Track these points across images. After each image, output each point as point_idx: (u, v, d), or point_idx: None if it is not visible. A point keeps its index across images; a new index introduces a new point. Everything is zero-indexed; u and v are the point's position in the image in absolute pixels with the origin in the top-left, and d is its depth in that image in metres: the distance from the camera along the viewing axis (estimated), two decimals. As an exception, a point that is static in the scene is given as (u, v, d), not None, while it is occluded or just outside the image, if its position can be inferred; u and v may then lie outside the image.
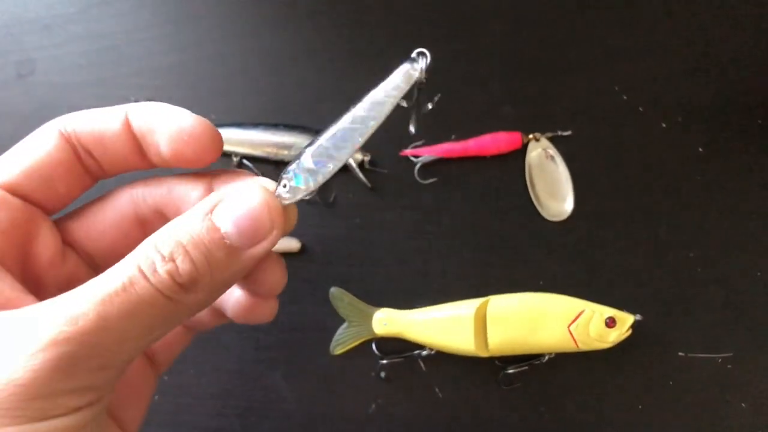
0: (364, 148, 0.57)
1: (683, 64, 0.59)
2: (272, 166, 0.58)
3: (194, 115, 0.31)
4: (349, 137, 0.30)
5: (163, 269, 0.25)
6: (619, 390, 0.54)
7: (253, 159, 0.58)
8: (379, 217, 0.57)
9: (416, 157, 0.57)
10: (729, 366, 0.53)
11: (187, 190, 0.31)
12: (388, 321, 0.54)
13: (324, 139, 0.30)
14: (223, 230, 0.26)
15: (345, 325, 0.55)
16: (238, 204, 0.27)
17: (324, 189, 0.57)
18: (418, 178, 0.57)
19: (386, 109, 0.32)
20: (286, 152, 0.57)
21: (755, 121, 0.58)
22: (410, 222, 0.57)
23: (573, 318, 0.51)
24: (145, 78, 0.60)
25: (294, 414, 0.54)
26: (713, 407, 0.53)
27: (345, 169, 0.57)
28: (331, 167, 0.30)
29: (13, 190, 0.28)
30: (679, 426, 0.53)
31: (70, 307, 0.24)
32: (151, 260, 0.25)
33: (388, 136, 0.58)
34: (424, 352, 0.54)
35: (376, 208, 0.57)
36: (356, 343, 0.55)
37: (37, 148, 0.29)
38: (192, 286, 0.26)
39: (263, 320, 0.35)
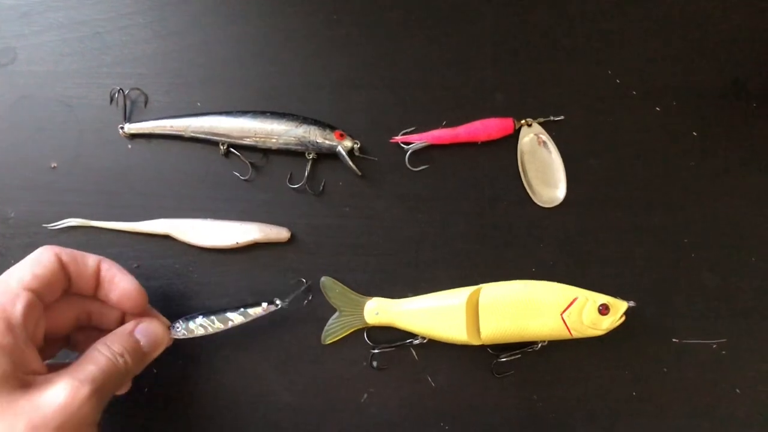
0: (354, 135, 0.56)
1: (677, 48, 0.58)
2: (260, 154, 0.57)
3: (136, 282, 0.49)
4: (226, 322, 0.52)
5: (121, 361, 0.46)
6: (613, 377, 0.53)
7: (240, 147, 0.57)
8: (369, 206, 0.56)
9: (407, 144, 0.56)
10: (723, 352, 0.53)
11: (111, 311, 0.51)
12: (379, 310, 0.54)
13: (210, 315, 0.52)
14: (141, 343, 0.48)
15: (336, 314, 0.55)
16: (150, 331, 0.49)
17: (313, 178, 0.57)
18: (408, 166, 0.56)
19: (250, 320, 0.53)
20: (274, 140, 0.56)
21: (750, 104, 0.57)
22: (401, 210, 0.56)
23: (566, 305, 0.50)
24: (128, 66, 0.59)
25: (285, 404, 0.54)
26: (708, 393, 0.53)
27: (334, 156, 0.56)
28: (209, 331, 0.52)
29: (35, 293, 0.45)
30: (674, 412, 0.53)
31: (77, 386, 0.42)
32: (114, 355, 0.46)
33: (377, 123, 0.57)
34: (416, 341, 0.54)
35: (366, 197, 0.57)
36: (348, 332, 0.54)
37: (45, 265, 0.46)
38: (131, 371, 0.47)
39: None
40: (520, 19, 0.59)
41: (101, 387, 0.43)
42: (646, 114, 0.57)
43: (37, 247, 0.56)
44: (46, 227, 0.57)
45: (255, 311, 0.52)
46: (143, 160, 0.58)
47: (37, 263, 0.46)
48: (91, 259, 0.48)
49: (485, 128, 0.56)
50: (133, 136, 0.58)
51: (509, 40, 0.59)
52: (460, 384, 0.54)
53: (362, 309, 0.54)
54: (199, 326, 0.52)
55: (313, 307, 0.55)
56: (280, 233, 0.55)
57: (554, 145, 0.56)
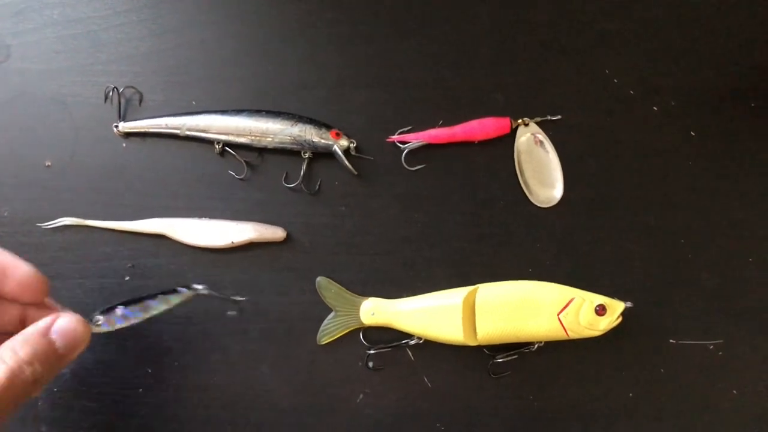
0: (350, 134, 0.56)
1: (675, 48, 0.58)
2: (256, 153, 0.57)
3: (34, 268, 0.44)
4: (147, 310, 0.49)
5: (29, 371, 0.39)
6: (610, 378, 0.53)
7: (235, 146, 0.56)
8: (365, 205, 0.56)
9: (403, 143, 0.56)
10: (720, 353, 0.53)
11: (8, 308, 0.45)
12: (375, 310, 0.54)
13: (130, 304, 0.48)
14: (57, 344, 0.42)
15: (332, 314, 0.54)
16: (68, 329, 0.42)
17: (308, 177, 0.57)
18: (405, 165, 0.56)
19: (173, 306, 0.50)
20: (269, 139, 0.55)
21: (748, 104, 0.57)
22: (397, 209, 0.56)
23: (563, 306, 0.50)
24: (123, 64, 0.58)
25: (281, 404, 0.54)
26: (704, 394, 0.53)
27: (330, 155, 0.56)
28: (132, 322, 0.48)
29: None
30: (670, 413, 0.53)
31: None
32: (20, 364, 0.39)
33: (374, 122, 0.57)
34: (413, 342, 0.54)
35: (362, 196, 0.56)
36: (344, 332, 0.54)
37: None
38: (41, 379, 0.41)
39: None
40: (517, 18, 0.59)
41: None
42: (643, 114, 0.57)
43: (30, 247, 0.56)
44: (40, 226, 0.56)
45: (175, 298, 0.50)
46: (138, 158, 0.57)
47: None
48: None
49: (482, 128, 0.55)
50: (128, 135, 0.58)
51: (506, 39, 0.58)
52: (457, 385, 0.54)
53: (358, 309, 0.54)
54: (121, 317, 0.48)
55: (308, 307, 0.55)
56: (275, 233, 0.55)
57: (551, 144, 0.56)
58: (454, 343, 0.52)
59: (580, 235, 0.55)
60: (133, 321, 0.49)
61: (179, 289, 0.50)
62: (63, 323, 0.42)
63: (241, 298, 0.54)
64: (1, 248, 0.44)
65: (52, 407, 0.53)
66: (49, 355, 0.41)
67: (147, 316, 0.49)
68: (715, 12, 0.58)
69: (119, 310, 0.48)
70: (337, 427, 0.53)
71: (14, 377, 0.38)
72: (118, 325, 0.48)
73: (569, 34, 0.58)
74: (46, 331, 0.41)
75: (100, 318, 0.47)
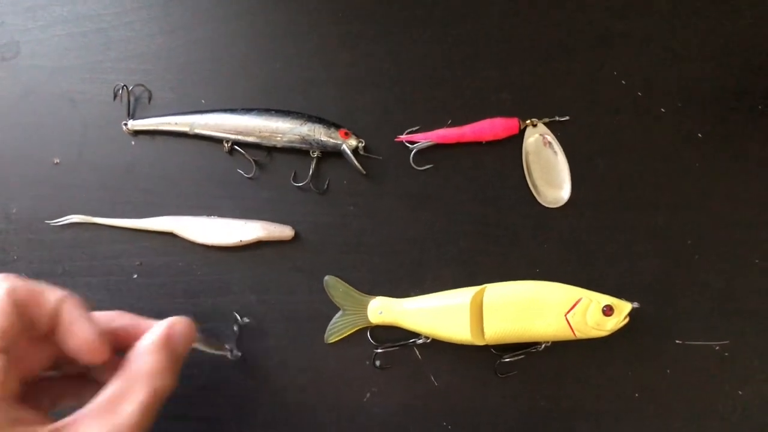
0: (359, 133, 0.56)
1: (682, 49, 0.58)
2: (264, 152, 0.57)
3: (97, 331, 0.41)
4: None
5: (164, 383, 0.40)
6: (616, 378, 0.53)
7: (244, 145, 0.56)
8: (373, 204, 0.56)
9: (412, 143, 0.56)
10: (726, 354, 0.53)
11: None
12: (383, 309, 0.54)
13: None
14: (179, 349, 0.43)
15: (340, 313, 0.54)
16: (183, 332, 0.43)
17: (317, 176, 0.57)
18: (413, 165, 0.56)
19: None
20: (278, 138, 0.55)
21: (755, 106, 0.57)
22: (405, 209, 0.56)
23: (570, 306, 0.50)
24: (133, 62, 0.59)
25: (289, 402, 0.54)
26: (710, 395, 0.53)
27: (339, 155, 0.56)
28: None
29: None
30: (676, 413, 0.53)
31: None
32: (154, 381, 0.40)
33: (382, 122, 0.57)
34: (420, 341, 0.54)
35: (370, 195, 0.56)
36: (351, 331, 0.54)
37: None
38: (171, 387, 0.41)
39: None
40: (526, 18, 0.59)
41: (142, 427, 0.38)
42: (651, 115, 0.57)
43: (38, 244, 0.56)
44: (48, 223, 0.56)
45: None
46: (147, 156, 0.57)
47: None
48: (52, 297, 0.40)
49: (490, 128, 0.56)
50: (137, 133, 0.58)
51: (515, 39, 0.58)
52: (464, 384, 0.54)
53: (366, 308, 0.54)
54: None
55: (316, 305, 0.55)
56: (283, 231, 0.55)
57: (559, 145, 0.56)
58: (461, 343, 0.52)
59: (588, 236, 0.55)
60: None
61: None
62: (180, 328, 0.43)
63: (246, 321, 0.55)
64: (78, 302, 0.41)
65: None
66: (175, 362, 0.41)
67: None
68: (723, 13, 0.59)
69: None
70: (344, 425, 0.54)
71: (156, 392, 0.39)
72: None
73: (577, 35, 0.58)
74: (171, 339, 0.42)
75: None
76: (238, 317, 0.54)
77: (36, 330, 0.39)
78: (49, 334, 0.40)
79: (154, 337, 0.41)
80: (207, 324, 0.54)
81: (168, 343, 0.41)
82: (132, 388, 0.38)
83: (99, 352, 0.41)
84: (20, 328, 0.38)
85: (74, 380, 0.44)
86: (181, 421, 0.54)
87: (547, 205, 0.56)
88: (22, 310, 0.38)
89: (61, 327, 0.40)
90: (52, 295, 0.40)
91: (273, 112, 0.56)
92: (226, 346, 0.53)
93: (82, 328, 0.40)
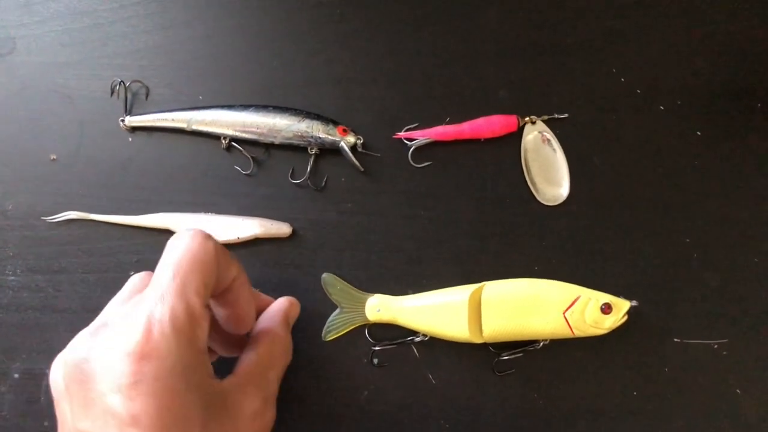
0: (357, 130, 0.56)
1: (682, 46, 0.58)
2: (262, 149, 0.57)
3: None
4: None
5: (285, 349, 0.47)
6: (614, 376, 0.53)
7: (242, 141, 0.56)
8: (371, 202, 0.56)
9: (410, 140, 0.56)
10: (724, 352, 0.53)
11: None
12: (381, 307, 0.54)
13: None
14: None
15: (337, 311, 0.54)
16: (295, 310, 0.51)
17: (315, 173, 0.57)
18: (411, 162, 0.56)
19: None
20: (276, 134, 0.55)
21: (755, 104, 0.57)
22: (403, 206, 0.56)
23: (568, 304, 0.50)
24: (130, 58, 0.58)
25: (285, 400, 0.54)
26: (708, 393, 0.53)
27: (337, 152, 0.55)
28: None
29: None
30: (674, 412, 0.53)
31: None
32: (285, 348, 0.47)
33: (381, 119, 0.57)
34: (418, 339, 0.54)
35: (368, 192, 0.56)
36: (349, 329, 0.54)
37: (212, 270, 0.39)
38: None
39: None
40: (524, 15, 0.59)
41: (276, 389, 0.44)
42: (650, 113, 0.57)
43: (34, 241, 0.56)
44: (44, 220, 0.56)
45: None
46: (144, 153, 0.57)
47: (207, 269, 0.38)
48: (235, 264, 0.42)
49: (489, 125, 0.55)
50: (134, 129, 0.57)
51: (514, 36, 0.58)
52: (461, 382, 0.54)
53: (363, 306, 0.54)
54: None
55: (313, 303, 0.55)
56: (281, 228, 0.55)
57: (558, 143, 0.56)
58: (459, 341, 0.52)
59: (586, 234, 0.55)
60: None
61: None
62: (295, 310, 0.51)
63: None
64: (246, 278, 0.44)
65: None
66: (288, 334, 0.47)
67: None
68: (723, 11, 0.58)
69: None
70: (341, 423, 0.53)
71: (285, 366, 0.45)
72: None
73: (577, 32, 0.58)
74: (290, 319, 0.49)
75: None
76: None
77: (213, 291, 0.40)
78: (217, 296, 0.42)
79: (282, 315, 0.48)
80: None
81: (290, 322, 0.48)
82: (277, 359, 0.44)
83: (252, 320, 0.45)
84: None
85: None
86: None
87: (545, 203, 0.55)
88: (219, 269, 0.39)
89: (233, 293, 0.42)
90: (235, 262, 0.42)
91: (271, 108, 0.56)
92: None
93: (249, 298, 0.44)
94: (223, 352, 0.48)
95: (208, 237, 0.39)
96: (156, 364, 0.34)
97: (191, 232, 0.39)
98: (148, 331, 0.34)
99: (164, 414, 0.33)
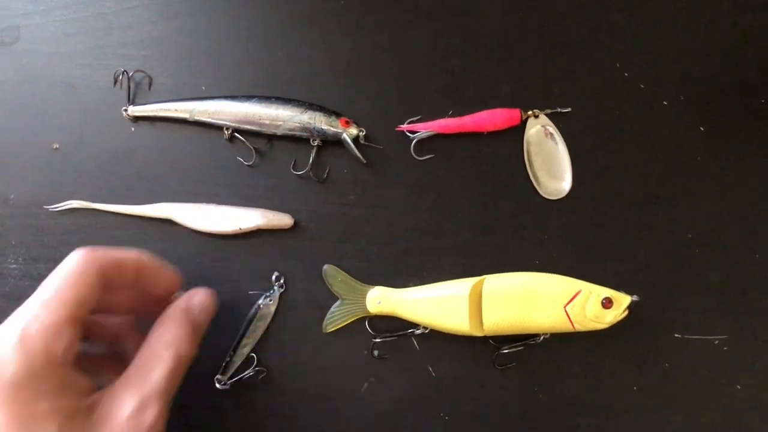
0: (359, 122, 0.56)
1: (686, 42, 0.58)
2: (265, 140, 0.57)
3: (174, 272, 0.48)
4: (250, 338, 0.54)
5: (185, 351, 0.43)
6: (615, 371, 0.53)
7: (245, 132, 0.56)
8: (373, 194, 0.56)
9: (412, 132, 0.56)
10: (725, 348, 0.53)
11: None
12: (382, 299, 0.54)
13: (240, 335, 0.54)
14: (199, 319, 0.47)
15: (338, 302, 0.54)
16: (205, 304, 0.48)
17: (317, 165, 0.57)
18: (414, 155, 0.56)
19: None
20: (278, 125, 0.55)
21: (758, 100, 0.57)
22: (405, 199, 0.56)
23: (569, 298, 0.50)
24: (134, 48, 0.58)
25: (286, 391, 0.54)
26: (708, 389, 0.53)
27: (339, 143, 0.55)
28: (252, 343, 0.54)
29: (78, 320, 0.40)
30: (674, 407, 0.53)
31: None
32: (179, 350, 0.43)
33: (383, 111, 0.57)
34: (418, 331, 0.54)
35: (370, 185, 0.56)
36: (349, 321, 0.54)
37: (89, 287, 0.40)
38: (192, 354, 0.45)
39: None
40: (528, 9, 0.58)
41: (169, 391, 0.41)
42: (653, 108, 0.57)
43: (36, 229, 0.56)
44: (47, 209, 0.56)
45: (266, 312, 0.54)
46: (147, 143, 0.57)
47: (80, 283, 0.40)
48: (130, 260, 0.44)
49: (492, 118, 0.55)
50: (137, 119, 0.57)
51: (518, 30, 0.58)
52: (462, 375, 0.54)
53: (364, 298, 0.54)
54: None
55: (314, 294, 0.55)
56: (283, 220, 0.55)
57: (561, 137, 0.56)
58: (460, 334, 0.52)
59: (588, 228, 0.55)
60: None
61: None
62: (198, 298, 0.47)
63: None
64: (149, 255, 0.46)
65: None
66: (196, 332, 0.45)
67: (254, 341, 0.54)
68: (727, 6, 0.58)
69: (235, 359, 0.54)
70: (341, 414, 0.53)
71: (178, 363, 0.42)
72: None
73: (580, 26, 0.58)
74: (189, 310, 0.45)
75: (222, 378, 0.53)
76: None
77: (117, 288, 0.43)
78: (129, 286, 0.45)
79: (175, 309, 0.45)
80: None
81: (188, 313, 0.45)
82: (158, 357, 0.42)
83: (179, 283, 0.48)
84: (100, 293, 0.41)
85: (109, 357, 0.48)
86: (177, 408, 0.53)
87: (547, 197, 0.55)
88: (106, 279, 0.41)
89: (144, 278, 0.45)
90: (129, 257, 0.44)
91: (273, 99, 0.56)
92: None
93: (165, 273, 0.47)
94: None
95: (90, 252, 0.41)
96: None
97: (76, 250, 0.42)
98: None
99: (10, 421, 0.35)
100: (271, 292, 0.54)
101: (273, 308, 0.54)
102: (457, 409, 0.53)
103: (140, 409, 0.40)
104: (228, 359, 0.54)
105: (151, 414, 0.40)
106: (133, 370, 0.42)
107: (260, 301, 0.54)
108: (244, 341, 0.54)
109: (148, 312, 0.47)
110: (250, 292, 0.54)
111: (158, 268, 0.47)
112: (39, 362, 0.37)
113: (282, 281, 0.55)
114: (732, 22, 0.58)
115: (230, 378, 0.53)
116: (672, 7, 0.58)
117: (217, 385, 0.53)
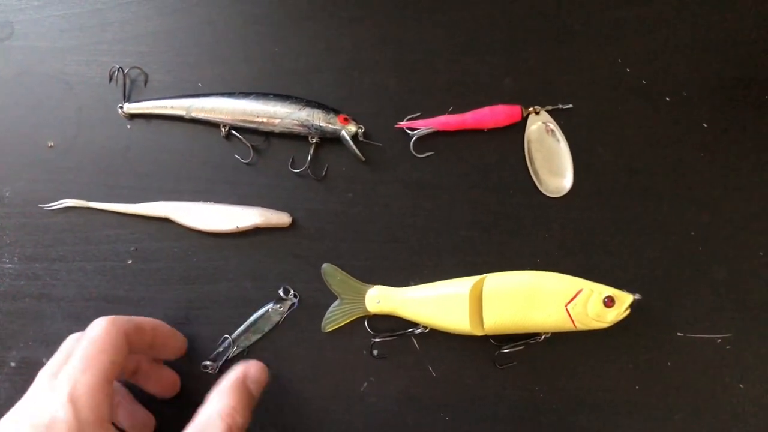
0: (358, 119, 0.55)
1: (688, 37, 0.57)
2: (262, 137, 0.56)
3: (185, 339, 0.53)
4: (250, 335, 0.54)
5: (240, 421, 0.44)
6: (617, 370, 0.53)
7: (242, 130, 0.55)
8: (372, 192, 0.55)
9: (412, 129, 0.55)
10: (728, 347, 0.53)
11: None
12: (381, 298, 0.53)
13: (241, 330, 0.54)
14: (252, 390, 0.47)
15: (337, 302, 0.54)
16: (259, 376, 0.49)
17: (315, 162, 0.56)
18: (413, 152, 0.55)
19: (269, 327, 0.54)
20: (276, 122, 0.54)
21: (761, 96, 0.56)
22: (405, 197, 0.55)
23: (571, 297, 0.50)
24: (129, 44, 0.58)
25: (286, 391, 0.53)
26: (711, 388, 0.52)
27: (338, 141, 0.55)
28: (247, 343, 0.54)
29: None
30: (676, 406, 0.52)
31: None
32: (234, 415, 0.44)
33: (383, 108, 0.56)
34: (418, 330, 0.53)
35: (369, 182, 0.56)
36: (348, 320, 0.54)
37: (119, 360, 0.44)
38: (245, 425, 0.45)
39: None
40: (529, 5, 0.58)
41: None
42: (655, 104, 0.56)
43: (31, 228, 0.55)
44: (42, 207, 0.56)
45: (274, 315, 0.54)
46: (143, 140, 0.57)
47: (111, 348, 0.43)
48: (148, 326, 0.48)
49: (493, 115, 0.55)
50: (133, 116, 0.57)
51: (518, 26, 0.57)
52: (462, 374, 0.53)
53: (363, 297, 0.53)
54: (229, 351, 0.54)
55: (313, 294, 0.54)
56: (281, 218, 0.54)
57: (562, 133, 0.55)
58: (460, 333, 0.51)
59: (590, 226, 0.54)
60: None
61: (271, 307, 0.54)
62: (254, 372, 0.48)
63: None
64: (162, 324, 0.50)
65: None
66: (249, 404, 0.46)
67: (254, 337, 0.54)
68: (730, 2, 0.58)
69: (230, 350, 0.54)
70: (341, 414, 0.53)
71: (232, 428, 0.43)
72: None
73: (582, 22, 0.57)
74: (244, 380, 0.47)
75: (209, 364, 0.54)
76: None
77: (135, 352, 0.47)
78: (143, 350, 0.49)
79: (229, 380, 0.46)
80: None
81: (242, 384, 0.46)
82: (214, 425, 0.43)
83: (185, 349, 0.53)
84: (127, 356, 0.45)
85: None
86: (178, 407, 0.53)
87: (548, 194, 0.55)
88: (129, 342, 0.45)
89: (158, 343, 0.49)
90: (147, 323, 0.48)
91: (271, 96, 0.55)
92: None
93: (174, 340, 0.51)
94: None
95: (115, 319, 0.45)
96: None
97: (100, 319, 0.44)
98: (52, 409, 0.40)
99: None
100: (282, 304, 0.54)
101: (279, 318, 0.54)
102: (458, 408, 0.53)
103: None
104: (221, 349, 0.54)
105: None
106: None
107: (270, 305, 0.54)
108: (243, 336, 0.54)
109: (143, 375, 0.51)
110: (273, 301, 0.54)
111: (171, 334, 0.51)
112: (89, 419, 0.40)
113: (294, 293, 0.54)
114: (734, 17, 0.57)
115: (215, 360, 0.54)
116: (675, 2, 0.58)
117: (206, 370, 0.54)
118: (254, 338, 0.54)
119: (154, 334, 0.49)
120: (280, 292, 0.54)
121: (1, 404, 0.53)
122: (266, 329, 0.54)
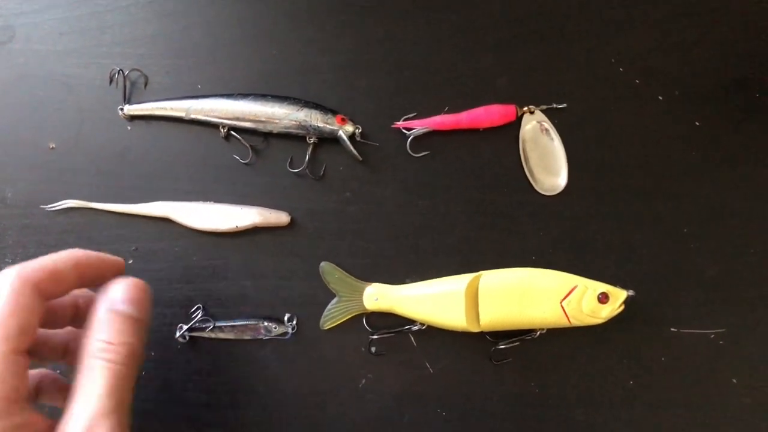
0: (355, 119, 0.56)
1: (681, 37, 0.58)
2: (261, 138, 0.57)
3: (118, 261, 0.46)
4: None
5: (123, 355, 0.39)
6: (611, 365, 0.53)
7: (241, 130, 0.56)
8: (370, 191, 0.56)
9: (408, 129, 0.56)
10: (721, 342, 0.53)
11: None
12: (379, 296, 0.54)
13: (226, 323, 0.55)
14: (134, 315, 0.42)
15: (335, 300, 0.54)
16: (136, 295, 0.42)
17: (313, 162, 0.57)
18: (410, 151, 0.56)
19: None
20: (275, 123, 0.55)
21: (753, 94, 0.57)
22: (402, 196, 0.56)
23: (565, 293, 0.50)
24: (128, 46, 0.58)
25: (284, 389, 0.54)
26: (704, 383, 0.53)
27: (335, 141, 0.55)
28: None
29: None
30: (670, 401, 0.53)
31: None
32: (115, 356, 0.39)
33: (379, 108, 0.57)
34: (415, 327, 0.54)
35: (366, 182, 0.56)
36: (346, 318, 0.54)
37: (27, 313, 0.38)
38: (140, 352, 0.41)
39: None
40: (524, 5, 0.58)
41: (120, 402, 0.37)
42: (648, 103, 0.57)
43: (33, 229, 0.56)
44: (43, 208, 0.56)
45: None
46: (143, 141, 0.57)
47: (17, 311, 0.37)
48: (65, 263, 0.41)
49: (488, 115, 0.55)
50: (133, 118, 0.57)
51: (513, 26, 0.58)
52: (458, 371, 0.54)
53: (361, 294, 0.54)
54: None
55: (312, 292, 0.55)
56: (279, 217, 0.55)
57: (556, 132, 0.56)
58: (456, 330, 0.52)
59: (584, 224, 0.55)
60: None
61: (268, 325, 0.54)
62: (125, 291, 0.41)
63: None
64: (85, 252, 0.43)
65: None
66: (134, 330, 0.40)
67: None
68: (723, 2, 0.58)
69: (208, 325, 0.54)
70: (339, 411, 0.54)
71: (118, 371, 0.38)
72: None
73: (575, 22, 0.58)
74: (114, 309, 0.40)
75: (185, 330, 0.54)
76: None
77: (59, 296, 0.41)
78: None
79: (96, 312, 0.41)
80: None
81: (113, 311, 0.41)
82: (91, 372, 0.38)
83: (122, 266, 0.46)
84: (41, 310, 0.39)
85: (52, 380, 0.47)
86: (177, 406, 0.54)
87: (543, 193, 0.55)
88: (42, 293, 0.38)
89: (87, 276, 0.42)
90: (62, 259, 0.41)
91: (269, 97, 0.56)
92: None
93: (107, 263, 0.44)
94: None
95: (19, 272, 0.38)
96: None
97: (3, 273, 0.38)
98: None
99: None
100: (277, 326, 0.54)
101: (263, 336, 0.54)
102: (454, 404, 0.54)
103: (94, 425, 0.36)
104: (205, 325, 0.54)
105: (110, 426, 0.36)
106: (73, 395, 0.38)
107: (264, 322, 0.54)
108: (227, 328, 0.54)
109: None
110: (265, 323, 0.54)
111: (98, 260, 0.44)
112: None
113: (294, 323, 0.54)
114: (727, 19, 0.58)
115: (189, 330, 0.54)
116: (668, 2, 0.58)
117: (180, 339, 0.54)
118: (230, 337, 0.54)
119: (78, 271, 0.41)
120: (285, 317, 0.54)
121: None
122: (246, 337, 0.54)
